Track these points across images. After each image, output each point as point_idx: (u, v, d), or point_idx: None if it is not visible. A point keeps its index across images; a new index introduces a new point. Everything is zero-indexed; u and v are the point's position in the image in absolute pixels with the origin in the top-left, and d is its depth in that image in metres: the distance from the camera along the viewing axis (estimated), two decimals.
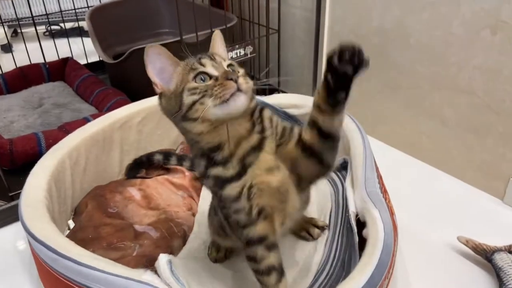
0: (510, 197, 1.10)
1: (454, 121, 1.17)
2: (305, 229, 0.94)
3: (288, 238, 0.96)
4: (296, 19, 1.53)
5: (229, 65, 0.66)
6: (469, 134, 1.14)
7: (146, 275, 0.67)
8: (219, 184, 0.68)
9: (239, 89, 0.61)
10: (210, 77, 0.63)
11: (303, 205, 0.83)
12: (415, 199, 1.15)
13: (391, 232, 0.76)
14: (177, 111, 0.64)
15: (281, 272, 0.72)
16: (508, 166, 1.09)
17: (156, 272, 0.71)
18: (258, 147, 0.67)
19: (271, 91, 1.49)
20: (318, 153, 0.67)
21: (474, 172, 1.17)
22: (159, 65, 0.66)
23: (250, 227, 0.69)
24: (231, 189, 0.67)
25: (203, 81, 0.63)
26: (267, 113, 0.70)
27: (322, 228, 0.95)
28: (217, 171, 0.67)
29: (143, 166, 1.16)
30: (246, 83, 0.62)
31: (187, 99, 0.63)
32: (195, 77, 0.63)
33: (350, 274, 0.68)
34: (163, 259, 0.71)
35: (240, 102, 0.62)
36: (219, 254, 0.91)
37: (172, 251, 0.93)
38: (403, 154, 1.34)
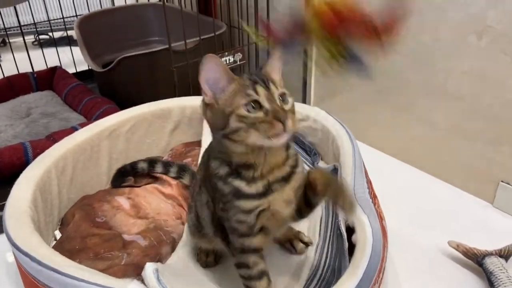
0: (500, 201, 1.10)
1: (444, 126, 1.17)
2: (290, 241, 0.94)
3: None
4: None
5: (282, 94, 0.65)
6: (459, 139, 1.14)
7: (132, 284, 0.66)
8: (236, 195, 0.68)
9: (285, 131, 0.62)
10: (261, 106, 0.63)
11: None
12: (406, 203, 1.15)
13: (379, 237, 0.75)
14: (222, 128, 0.64)
15: (269, 277, 0.75)
16: (497, 170, 1.09)
17: (143, 281, 0.70)
18: (286, 179, 0.69)
19: None
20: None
21: (464, 177, 1.17)
22: (213, 76, 0.65)
23: (248, 238, 0.71)
24: (246, 204, 0.68)
25: (254, 109, 0.63)
26: (293, 150, 0.72)
27: (306, 244, 0.93)
28: (239, 184, 0.68)
29: (127, 175, 1.14)
30: (293, 125, 0.62)
31: (234, 124, 0.63)
32: (246, 104, 0.63)
33: (339, 280, 0.67)
34: (149, 268, 0.69)
35: (283, 141, 0.63)
36: (209, 258, 0.90)
37: (161, 259, 0.91)
38: (394, 160, 1.34)
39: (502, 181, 1.09)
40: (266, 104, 0.62)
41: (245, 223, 0.69)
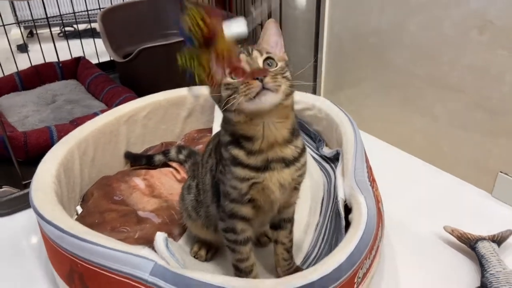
0: (498, 191, 1.14)
1: (445, 118, 1.21)
2: (256, 237, 0.98)
3: None
4: (298, 20, 1.59)
5: (267, 59, 0.68)
6: (459, 131, 1.18)
7: (144, 251, 0.73)
8: (233, 161, 0.72)
9: (264, 88, 0.63)
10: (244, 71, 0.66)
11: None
12: (407, 192, 1.20)
13: (374, 216, 0.81)
14: (219, 101, 0.69)
15: (252, 246, 0.80)
16: (495, 161, 1.13)
17: (154, 249, 0.77)
18: (286, 162, 0.73)
19: None
20: None
21: (464, 167, 1.21)
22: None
23: (237, 204, 0.75)
24: (241, 172, 0.72)
25: (239, 74, 0.65)
26: (301, 143, 0.76)
27: (270, 239, 0.97)
28: (238, 152, 0.72)
29: (140, 162, 1.23)
30: (273, 81, 0.64)
31: (223, 93, 0.67)
32: (230, 72, 0.66)
33: (331, 252, 0.73)
34: (159, 237, 0.77)
35: (266, 99, 0.64)
36: (200, 251, 0.94)
37: (173, 238, 0.99)
38: (398, 150, 1.39)
39: (500, 172, 1.12)
40: (245, 67, 0.66)
41: (237, 190, 0.73)
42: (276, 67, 0.68)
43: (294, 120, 0.75)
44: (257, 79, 0.63)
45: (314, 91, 1.60)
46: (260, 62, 0.67)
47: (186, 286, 0.67)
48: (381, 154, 1.38)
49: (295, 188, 0.79)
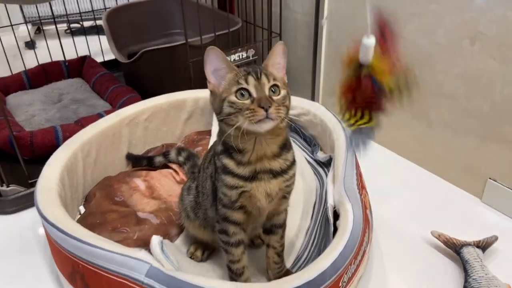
0: (488, 196, 1.17)
1: (439, 125, 1.24)
2: (251, 240, 1.03)
3: None
4: (297, 24, 1.61)
5: (273, 86, 0.72)
6: (453, 137, 1.21)
7: (141, 253, 0.78)
8: (224, 170, 0.77)
9: (267, 117, 0.68)
10: (250, 94, 0.70)
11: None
12: (400, 195, 1.23)
13: (359, 224, 0.85)
14: (219, 113, 0.74)
15: (245, 247, 0.85)
16: (486, 167, 1.16)
17: (150, 251, 0.82)
18: (273, 173, 0.77)
19: None
20: None
21: (456, 172, 1.24)
22: (214, 66, 0.74)
23: (229, 210, 0.80)
24: (230, 180, 0.77)
25: (243, 96, 0.70)
26: (291, 156, 0.80)
27: (263, 241, 1.00)
28: (229, 162, 0.77)
29: (141, 164, 1.27)
30: (276, 112, 0.69)
31: (226, 109, 0.71)
32: (236, 91, 0.71)
33: (317, 258, 0.77)
34: (155, 240, 0.81)
35: (266, 126, 0.70)
36: (196, 252, 0.98)
37: (170, 238, 1.03)
38: (394, 154, 1.42)
39: (490, 178, 1.15)
40: (253, 93, 0.70)
41: (227, 197, 0.78)
42: (279, 95, 0.72)
43: (286, 136, 0.79)
44: (263, 107, 0.68)
45: (313, 94, 1.63)
46: (267, 89, 0.71)
47: (178, 287, 0.71)
48: (376, 157, 1.41)
49: (284, 197, 0.83)
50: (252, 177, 0.77)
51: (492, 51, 1.05)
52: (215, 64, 0.74)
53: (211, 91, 0.77)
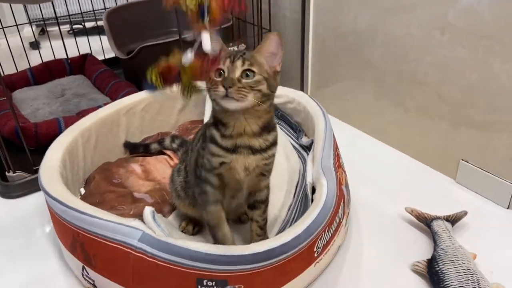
0: (461, 177, 1.25)
1: (415, 110, 1.33)
2: (238, 217, 1.12)
3: None
4: (286, 20, 1.70)
5: (247, 70, 0.78)
6: (427, 121, 1.30)
7: (134, 222, 0.86)
8: (211, 139, 0.86)
9: (227, 95, 0.76)
10: (222, 74, 0.78)
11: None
12: (379, 176, 1.32)
13: (333, 196, 0.93)
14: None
15: (223, 209, 0.93)
16: (458, 149, 1.24)
17: (144, 222, 0.90)
18: (252, 150, 0.85)
19: None
20: None
21: (432, 155, 1.32)
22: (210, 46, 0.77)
23: (209, 173, 0.89)
24: (215, 149, 0.85)
25: (220, 76, 0.78)
26: (273, 138, 0.87)
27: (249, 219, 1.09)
28: (215, 133, 0.85)
29: (138, 151, 1.36)
30: (237, 93, 0.76)
31: (208, 85, 0.79)
32: (216, 70, 0.78)
33: (292, 225, 0.86)
34: (147, 210, 0.90)
35: (228, 104, 0.78)
36: (188, 227, 1.07)
37: (163, 215, 1.12)
38: (374, 139, 1.51)
39: (462, 159, 1.23)
40: (225, 73, 0.78)
41: (209, 162, 0.87)
42: (252, 78, 0.78)
43: (268, 119, 0.86)
44: (224, 86, 0.76)
45: (302, 87, 1.72)
46: (238, 72, 0.78)
47: (168, 250, 0.80)
48: (358, 143, 1.50)
49: (262, 174, 0.91)
50: (233, 150, 0.85)
51: (460, 40, 1.13)
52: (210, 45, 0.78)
53: None
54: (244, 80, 0.78)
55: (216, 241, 0.94)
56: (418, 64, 1.26)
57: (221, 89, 0.76)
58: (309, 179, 1.04)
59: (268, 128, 0.86)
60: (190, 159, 1.00)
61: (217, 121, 0.85)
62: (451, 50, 1.16)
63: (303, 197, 1.08)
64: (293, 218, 1.07)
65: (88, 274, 0.92)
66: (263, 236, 1.00)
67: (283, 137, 1.35)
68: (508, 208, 1.17)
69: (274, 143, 0.88)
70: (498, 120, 1.12)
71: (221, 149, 0.85)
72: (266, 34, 0.85)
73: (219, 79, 0.78)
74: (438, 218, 1.08)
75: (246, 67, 0.78)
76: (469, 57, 1.13)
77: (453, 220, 1.08)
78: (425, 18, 1.20)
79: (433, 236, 1.04)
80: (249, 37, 1.67)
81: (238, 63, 0.78)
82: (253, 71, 0.78)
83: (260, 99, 0.79)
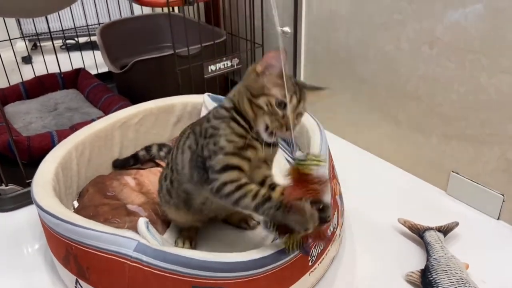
0: (451, 189, 1.27)
1: (406, 124, 1.35)
2: (244, 221, 1.13)
3: None
4: (278, 35, 1.73)
5: (300, 113, 0.86)
6: (418, 134, 1.32)
7: (129, 233, 0.86)
8: (233, 119, 0.86)
9: (281, 131, 0.82)
10: (284, 108, 0.81)
11: None
12: (371, 189, 1.34)
13: None
14: (251, 93, 0.84)
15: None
16: (449, 161, 1.26)
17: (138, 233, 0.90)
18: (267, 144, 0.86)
19: None
20: None
21: (423, 167, 1.34)
22: (273, 62, 0.82)
23: (232, 156, 0.84)
24: (239, 129, 0.85)
25: (280, 106, 0.81)
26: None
27: (258, 222, 1.12)
28: (237, 127, 0.85)
29: (130, 163, 1.36)
30: (289, 135, 0.82)
31: (262, 102, 0.82)
32: (279, 100, 0.81)
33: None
34: (141, 220, 0.90)
35: (272, 139, 0.84)
36: (185, 245, 1.05)
37: (158, 231, 1.11)
38: (366, 153, 1.53)
39: (452, 171, 1.25)
40: (288, 111, 0.81)
41: (233, 143, 0.84)
42: (300, 122, 0.87)
43: None
44: (285, 127, 0.81)
45: None
46: (296, 113, 0.84)
47: (163, 259, 0.80)
48: (351, 156, 1.52)
49: (266, 163, 0.91)
50: (255, 139, 0.86)
51: (448, 54, 1.16)
52: (274, 61, 0.82)
53: (255, 71, 0.84)
54: (296, 121, 0.85)
55: (265, 213, 0.80)
56: (409, 78, 1.29)
57: (283, 129, 0.82)
58: None
59: None
60: (175, 157, 0.99)
61: (240, 114, 0.86)
62: (439, 64, 1.19)
63: None
64: None
65: (82, 287, 0.92)
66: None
67: (279, 153, 1.36)
68: (498, 219, 1.19)
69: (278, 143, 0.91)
70: (488, 133, 1.14)
71: (247, 132, 0.85)
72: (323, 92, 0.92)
73: (280, 111, 0.81)
74: (430, 228, 1.09)
75: (302, 111, 0.86)
76: (457, 71, 1.16)
77: (445, 230, 1.09)
78: (414, 33, 1.23)
79: (426, 247, 1.05)
80: (242, 52, 1.69)
81: (301, 107, 0.85)
82: (302, 115, 0.88)
83: None
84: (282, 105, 0.81)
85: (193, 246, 1.07)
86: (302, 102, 0.84)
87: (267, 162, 0.91)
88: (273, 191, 0.82)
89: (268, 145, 0.86)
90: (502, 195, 1.16)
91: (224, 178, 0.83)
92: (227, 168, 0.83)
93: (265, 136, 0.83)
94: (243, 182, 0.82)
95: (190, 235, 1.09)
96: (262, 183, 0.88)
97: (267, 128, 0.83)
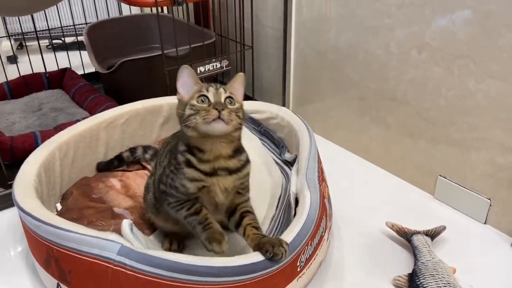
0: (439, 192, 1.27)
1: (395, 127, 1.35)
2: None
3: None
4: (268, 37, 1.73)
5: (229, 97, 0.85)
6: (406, 138, 1.32)
7: (112, 235, 0.84)
8: (187, 163, 0.87)
9: (220, 117, 0.80)
10: (209, 101, 0.83)
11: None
12: (359, 192, 1.33)
13: (316, 209, 0.93)
14: (181, 116, 0.85)
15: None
16: (436, 165, 1.26)
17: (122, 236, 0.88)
18: (229, 171, 0.88)
19: (246, 98, 1.68)
20: None
21: (411, 171, 1.34)
22: (185, 80, 0.88)
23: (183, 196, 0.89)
24: (194, 173, 0.87)
25: (203, 102, 0.83)
26: (245, 158, 0.91)
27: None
28: (192, 159, 0.87)
29: (113, 166, 1.34)
30: (228, 115, 0.81)
31: (187, 111, 0.83)
32: (198, 97, 0.83)
33: (276, 236, 0.85)
34: (125, 223, 0.87)
35: (218, 127, 0.81)
36: (173, 246, 1.04)
37: (144, 234, 1.09)
38: (356, 156, 1.52)
39: (440, 175, 1.26)
40: (211, 98, 0.84)
41: (185, 188, 0.87)
42: (234, 105, 0.85)
43: (239, 144, 0.91)
44: (216, 109, 0.80)
45: (284, 103, 1.73)
46: (223, 97, 0.84)
47: (148, 262, 0.78)
48: (340, 159, 1.51)
49: (238, 192, 0.92)
50: (211, 173, 0.87)
51: (436, 59, 1.16)
52: (186, 79, 0.88)
53: (178, 100, 0.89)
54: (229, 106, 0.84)
55: (204, 232, 0.84)
56: (398, 82, 1.29)
57: (214, 112, 0.80)
58: (293, 189, 1.04)
59: (239, 150, 0.91)
60: (155, 174, 1.01)
61: (192, 147, 0.88)
62: (428, 68, 1.19)
63: (286, 207, 1.08)
64: (277, 227, 1.07)
65: None
66: (260, 231, 0.92)
67: (266, 153, 1.35)
68: (485, 223, 1.19)
69: (247, 162, 0.92)
70: (475, 137, 1.14)
71: (200, 172, 0.87)
72: (237, 74, 0.93)
73: (205, 105, 0.83)
74: (418, 232, 1.09)
75: (228, 94, 0.86)
76: (445, 76, 1.16)
77: (432, 234, 1.09)
78: (403, 38, 1.23)
79: (414, 251, 1.05)
80: (231, 53, 1.68)
81: (221, 90, 0.86)
82: (233, 98, 0.86)
83: (239, 125, 0.85)
84: (204, 98, 0.83)
85: (181, 248, 1.05)
86: (223, 88, 0.86)
87: (240, 191, 0.92)
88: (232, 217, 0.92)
89: (230, 173, 0.88)
90: (489, 199, 1.16)
91: (178, 198, 0.90)
92: (182, 203, 0.90)
93: (209, 128, 0.81)
94: (194, 204, 0.89)
95: (178, 237, 1.07)
96: (233, 212, 0.92)
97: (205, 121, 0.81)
